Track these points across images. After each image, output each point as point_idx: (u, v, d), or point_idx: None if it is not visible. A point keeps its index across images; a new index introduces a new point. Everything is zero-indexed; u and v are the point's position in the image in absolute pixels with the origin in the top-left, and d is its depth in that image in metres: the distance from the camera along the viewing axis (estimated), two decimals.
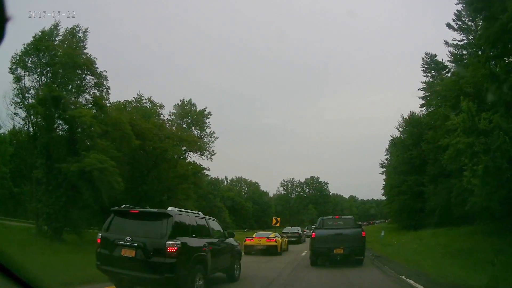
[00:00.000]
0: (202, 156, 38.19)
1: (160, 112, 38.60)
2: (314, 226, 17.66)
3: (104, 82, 24.71)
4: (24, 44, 23.45)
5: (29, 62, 23.59)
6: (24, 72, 23.45)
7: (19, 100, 23.12)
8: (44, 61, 23.31)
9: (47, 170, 20.05)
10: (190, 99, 42.69)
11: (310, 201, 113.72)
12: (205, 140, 40.86)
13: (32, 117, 22.77)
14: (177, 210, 8.36)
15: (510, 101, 14.30)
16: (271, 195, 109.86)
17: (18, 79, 23.24)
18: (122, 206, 8.37)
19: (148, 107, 38.45)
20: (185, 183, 34.28)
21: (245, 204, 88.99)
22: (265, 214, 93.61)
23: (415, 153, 38.66)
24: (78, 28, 25.54)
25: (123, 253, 7.35)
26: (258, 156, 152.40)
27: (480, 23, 22.81)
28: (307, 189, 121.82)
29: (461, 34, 31.47)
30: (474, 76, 20.05)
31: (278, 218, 36.59)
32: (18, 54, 23.34)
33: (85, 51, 24.84)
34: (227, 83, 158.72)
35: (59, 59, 22.77)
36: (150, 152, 30.67)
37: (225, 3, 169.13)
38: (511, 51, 15.70)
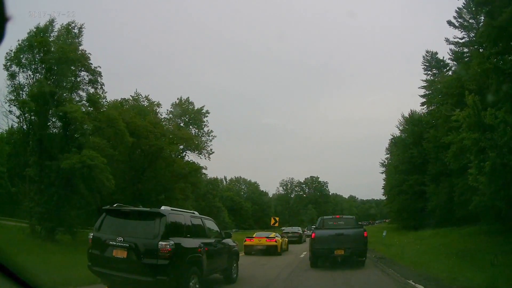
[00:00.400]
0: (200, 155, 37.93)
1: (157, 111, 38.30)
2: (314, 226, 17.09)
3: (99, 78, 24.24)
4: (18, 40, 23.08)
5: (24, 59, 23.13)
6: (19, 69, 23.03)
7: (13, 98, 22.71)
8: (38, 57, 22.89)
9: (39, 168, 19.65)
10: (188, 97, 42.47)
11: (309, 201, 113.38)
12: (203, 138, 40.55)
13: (26, 114, 22.37)
14: (171, 209, 8.08)
15: None
16: (270, 195, 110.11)
17: (12, 76, 22.81)
18: (115, 205, 8.06)
19: (145, 105, 38.09)
20: (182, 182, 33.89)
21: (244, 204, 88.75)
22: (264, 214, 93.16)
23: (415, 152, 38.31)
24: (73, 25, 25.17)
25: (115, 254, 7.08)
26: (258, 156, 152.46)
27: (482, 20, 22.55)
28: (307, 189, 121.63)
29: (462, 31, 31.35)
30: (476, 73, 19.73)
31: (277, 218, 36.52)
32: (13, 51, 22.94)
33: (81, 47, 24.44)
34: (227, 83, 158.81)
35: (53, 54, 22.32)
36: (146, 150, 30.29)
37: (225, 3, 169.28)
38: None
